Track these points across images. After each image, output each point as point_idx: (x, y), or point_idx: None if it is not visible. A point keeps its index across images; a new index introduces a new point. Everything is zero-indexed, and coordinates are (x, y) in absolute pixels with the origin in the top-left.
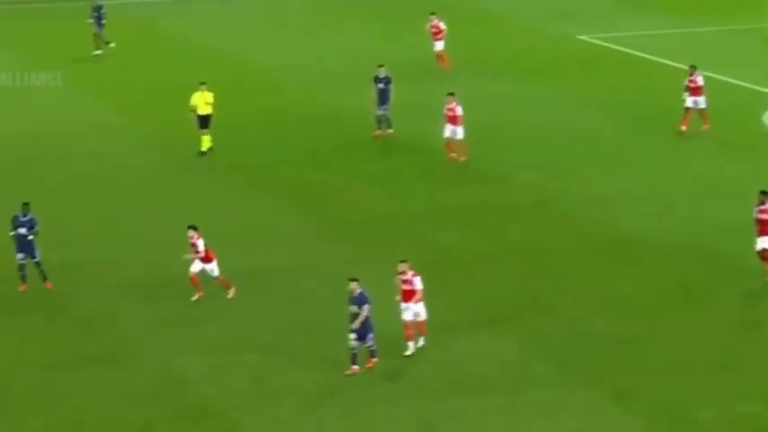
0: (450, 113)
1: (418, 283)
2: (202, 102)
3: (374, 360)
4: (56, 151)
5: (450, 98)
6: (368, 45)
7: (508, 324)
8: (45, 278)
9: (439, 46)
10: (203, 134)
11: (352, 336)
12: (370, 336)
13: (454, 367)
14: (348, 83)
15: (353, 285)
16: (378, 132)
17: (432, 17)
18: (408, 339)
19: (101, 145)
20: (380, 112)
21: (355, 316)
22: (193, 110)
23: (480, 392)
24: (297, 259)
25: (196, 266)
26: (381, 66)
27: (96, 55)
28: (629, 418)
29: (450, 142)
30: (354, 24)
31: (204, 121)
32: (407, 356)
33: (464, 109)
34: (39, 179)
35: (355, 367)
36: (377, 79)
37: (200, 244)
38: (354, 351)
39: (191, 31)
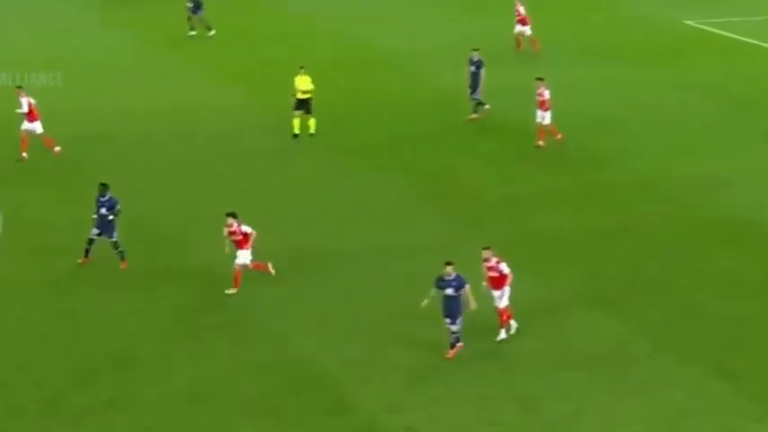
0: (540, 98)
1: (505, 269)
2: (302, 85)
3: (459, 345)
4: (182, 128)
5: (539, 83)
6: (484, 28)
7: (614, 303)
8: (122, 258)
9: (519, 28)
10: (297, 116)
11: (448, 320)
12: (459, 320)
13: (559, 345)
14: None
15: (449, 269)
16: (473, 116)
17: (516, 2)
18: (502, 326)
19: (224, 125)
20: (474, 96)
21: (448, 299)
22: (294, 93)
23: (584, 369)
24: (412, 240)
25: (242, 258)
26: (475, 49)
27: (191, 36)
28: (737, 399)
29: (540, 127)
30: (483, 7)
31: (304, 104)
32: (499, 342)
33: (568, 94)
34: (164, 155)
35: (452, 352)
36: (470, 62)
37: (246, 227)
38: (456, 335)
39: (318, 14)
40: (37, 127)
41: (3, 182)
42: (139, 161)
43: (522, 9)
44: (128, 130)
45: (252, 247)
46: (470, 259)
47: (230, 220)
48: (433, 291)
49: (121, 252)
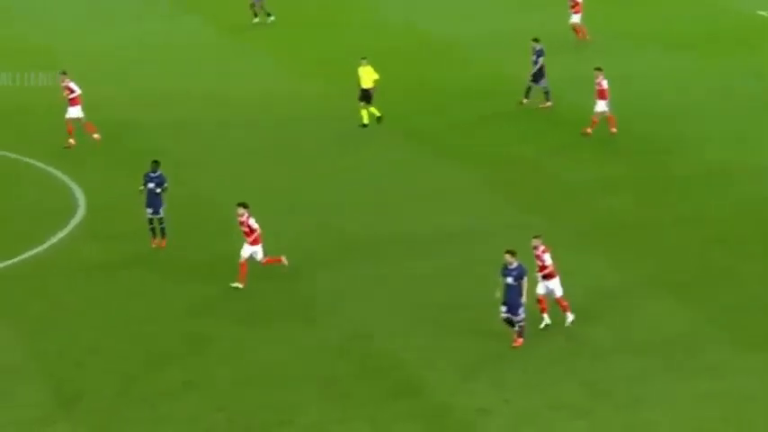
0: (598, 87)
1: (548, 259)
2: (365, 76)
3: (521, 340)
4: (258, 115)
5: (597, 72)
6: (541, 17)
7: (684, 289)
8: (162, 235)
9: (575, 18)
10: (364, 107)
11: (503, 308)
12: (521, 310)
13: (628, 330)
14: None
15: (510, 258)
16: (546, 104)
17: None
18: (542, 312)
19: (300, 112)
20: (535, 85)
21: (509, 287)
22: (359, 84)
23: (653, 355)
24: (483, 225)
25: (246, 250)
26: (536, 39)
27: (255, 23)
28: None
29: (594, 116)
30: None
31: (367, 95)
32: (542, 329)
33: (641, 83)
34: (243, 140)
35: (520, 340)
36: (533, 52)
37: (253, 222)
38: (521, 324)
39: (386, 4)
40: (75, 112)
41: (86, 165)
42: (221, 146)
43: None
44: (208, 115)
45: (260, 243)
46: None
47: (241, 210)
48: (501, 279)
49: (163, 229)
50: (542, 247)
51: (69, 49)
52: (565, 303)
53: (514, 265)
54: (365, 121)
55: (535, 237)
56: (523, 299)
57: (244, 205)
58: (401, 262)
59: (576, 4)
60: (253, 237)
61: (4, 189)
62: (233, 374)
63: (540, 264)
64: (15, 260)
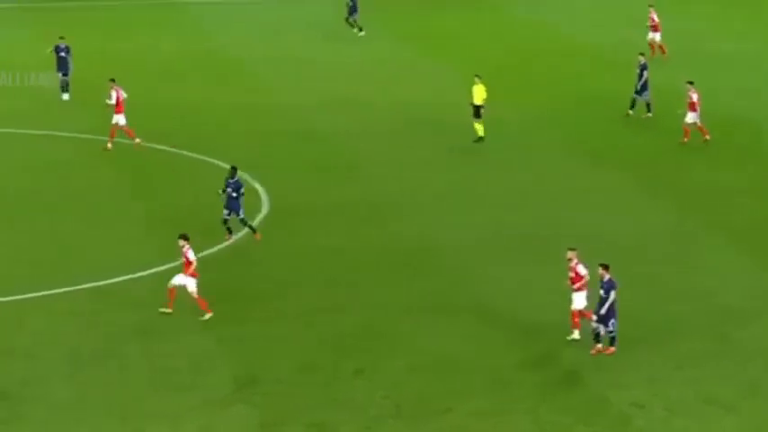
0: (690, 100)
1: (582, 270)
2: (477, 93)
3: (612, 348)
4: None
5: (689, 86)
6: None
7: None
8: (254, 231)
9: (654, 36)
10: (477, 122)
11: (595, 318)
12: (612, 321)
13: None
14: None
15: (602, 271)
16: (647, 115)
17: (650, 9)
18: (574, 327)
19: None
20: (639, 98)
21: (602, 299)
22: (471, 101)
23: None
24: (638, 228)
25: (178, 279)
26: (641, 54)
27: (360, 36)
28: None
29: (687, 126)
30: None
31: (477, 111)
32: (569, 341)
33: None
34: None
35: (599, 346)
36: (638, 66)
37: (191, 254)
38: (597, 331)
39: (545, 18)
40: (120, 119)
41: (271, 169)
42: (396, 153)
43: (655, 16)
44: (394, 123)
45: (196, 276)
46: (697, 244)
47: (181, 242)
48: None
49: (251, 226)
50: (576, 260)
51: (259, 57)
52: (576, 319)
53: (606, 278)
54: (480, 134)
55: (570, 249)
56: (602, 311)
57: (184, 237)
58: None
59: (656, 23)
60: (190, 269)
61: (195, 187)
62: (405, 364)
63: (573, 275)
64: (213, 250)
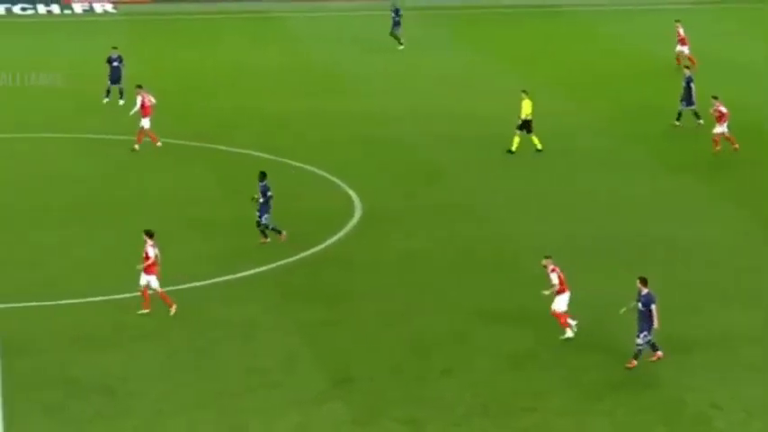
0: (716, 114)
1: (554, 279)
2: (525, 108)
3: (659, 353)
4: (495, 131)
5: (714, 101)
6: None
7: None
8: (278, 232)
9: (685, 50)
10: (518, 135)
11: (645, 334)
12: (643, 334)
13: None
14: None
15: (640, 285)
16: (699, 122)
17: (677, 24)
18: (563, 326)
19: (547, 127)
20: (686, 108)
21: (640, 313)
22: (519, 116)
23: None
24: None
25: (143, 279)
26: (687, 67)
27: (401, 50)
28: None
29: (714, 136)
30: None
31: (525, 125)
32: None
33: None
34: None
35: (659, 353)
36: (683, 78)
37: (150, 251)
38: (651, 342)
39: (627, 35)
40: (146, 122)
41: (364, 175)
42: (487, 159)
43: (681, 31)
44: (474, 131)
45: (153, 273)
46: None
47: (144, 237)
48: (633, 302)
49: (274, 229)
50: (551, 267)
51: (351, 71)
52: (562, 319)
53: (644, 291)
54: (512, 147)
55: (545, 257)
56: (655, 324)
57: (148, 233)
58: (634, 265)
59: (682, 37)
60: (147, 263)
61: (292, 193)
62: (490, 364)
63: (552, 282)
64: (306, 253)
